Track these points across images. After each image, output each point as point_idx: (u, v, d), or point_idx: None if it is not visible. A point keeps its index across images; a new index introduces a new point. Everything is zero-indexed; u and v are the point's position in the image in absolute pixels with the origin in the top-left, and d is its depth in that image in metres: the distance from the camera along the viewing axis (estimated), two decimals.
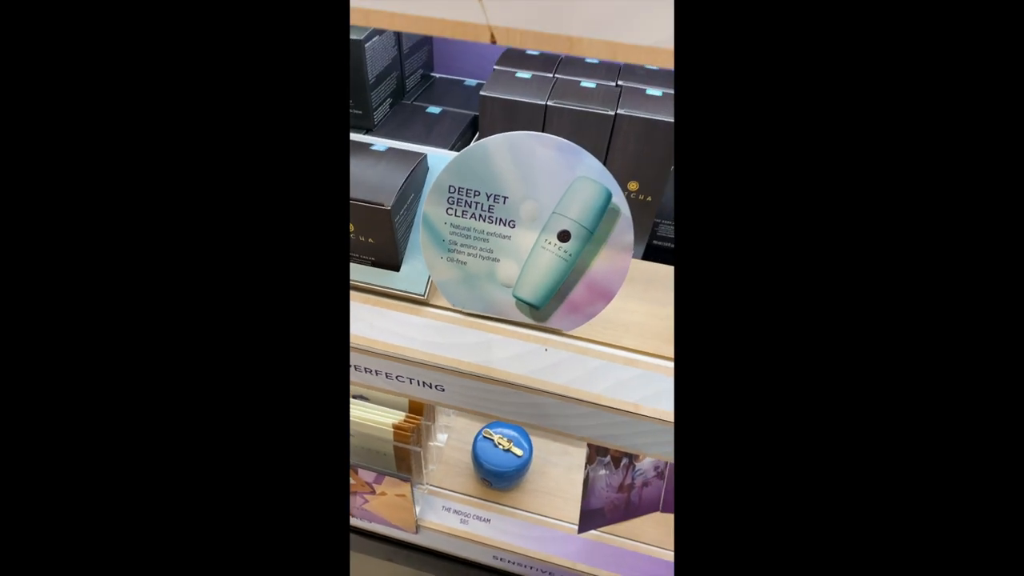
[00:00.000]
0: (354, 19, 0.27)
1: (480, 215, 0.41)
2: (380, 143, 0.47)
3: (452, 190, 0.41)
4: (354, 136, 0.49)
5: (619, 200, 0.39)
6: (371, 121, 0.51)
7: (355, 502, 0.64)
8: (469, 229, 0.42)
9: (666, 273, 0.51)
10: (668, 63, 0.24)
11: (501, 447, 0.66)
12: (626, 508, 0.63)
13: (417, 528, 0.65)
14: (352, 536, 0.71)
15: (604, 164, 0.49)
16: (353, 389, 0.64)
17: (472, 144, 0.39)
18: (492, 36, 0.25)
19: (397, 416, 0.60)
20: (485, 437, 0.67)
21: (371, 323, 0.46)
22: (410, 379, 0.47)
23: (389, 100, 0.54)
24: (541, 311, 0.44)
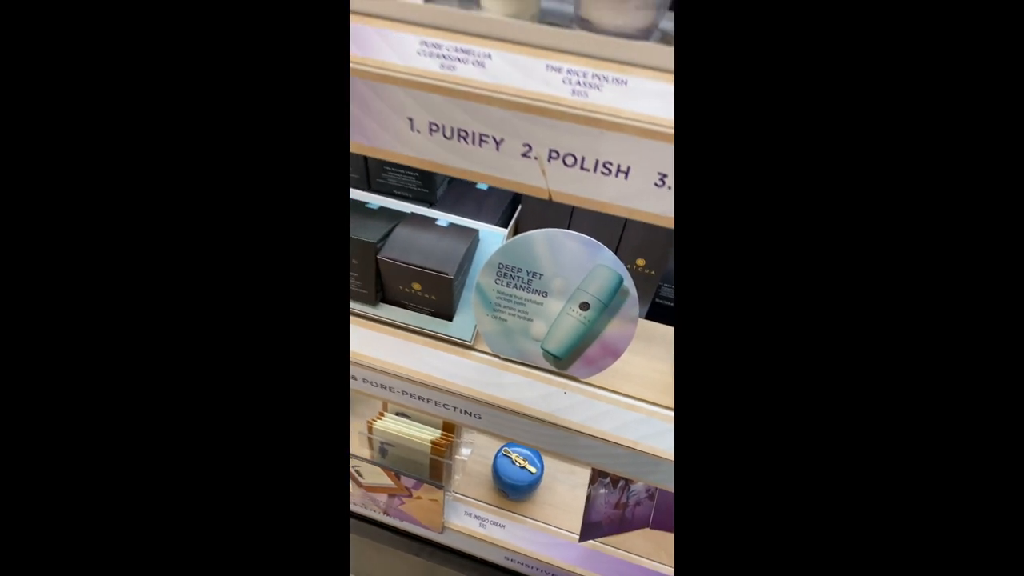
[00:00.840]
0: (450, 172, 0.39)
1: (520, 286, 0.53)
2: (443, 219, 0.60)
3: (501, 267, 0.53)
4: (422, 210, 0.61)
5: (628, 284, 0.51)
6: (434, 196, 0.64)
7: (393, 503, 0.75)
8: (511, 296, 0.54)
9: (664, 333, 0.63)
10: (668, 225, 0.36)
11: (518, 464, 0.78)
12: (620, 523, 0.74)
13: (443, 529, 0.77)
14: (385, 532, 0.82)
15: (618, 244, 0.61)
16: (397, 408, 0.76)
17: (519, 235, 0.51)
18: (550, 196, 0.37)
19: (434, 433, 0.72)
20: (504, 455, 0.79)
21: (426, 361, 0.58)
22: (454, 407, 0.59)
23: (448, 179, 0.66)
24: (563, 362, 0.56)
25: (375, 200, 0.61)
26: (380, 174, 0.63)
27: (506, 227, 0.63)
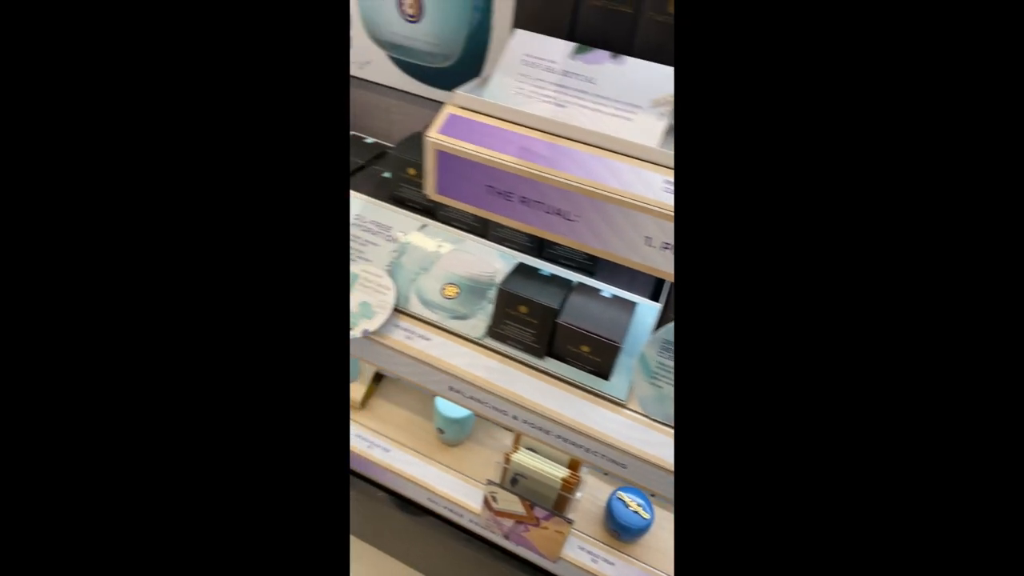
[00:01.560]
0: (669, 278, 0.48)
1: None
2: (606, 290, 0.69)
3: (666, 343, 0.61)
4: (585, 279, 0.71)
5: None
6: (595, 266, 0.73)
7: (516, 529, 0.84)
8: (671, 367, 0.62)
9: None
10: None
11: (631, 508, 0.85)
12: None
13: (558, 559, 0.85)
14: (500, 552, 0.91)
15: None
16: (528, 443, 0.85)
17: None
18: None
19: (564, 472, 0.80)
20: (618, 498, 0.86)
21: (584, 412, 0.67)
22: (602, 455, 0.67)
23: None
24: None
25: (546, 267, 0.72)
26: (552, 244, 0.74)
27: (655, 295, 0.72)
